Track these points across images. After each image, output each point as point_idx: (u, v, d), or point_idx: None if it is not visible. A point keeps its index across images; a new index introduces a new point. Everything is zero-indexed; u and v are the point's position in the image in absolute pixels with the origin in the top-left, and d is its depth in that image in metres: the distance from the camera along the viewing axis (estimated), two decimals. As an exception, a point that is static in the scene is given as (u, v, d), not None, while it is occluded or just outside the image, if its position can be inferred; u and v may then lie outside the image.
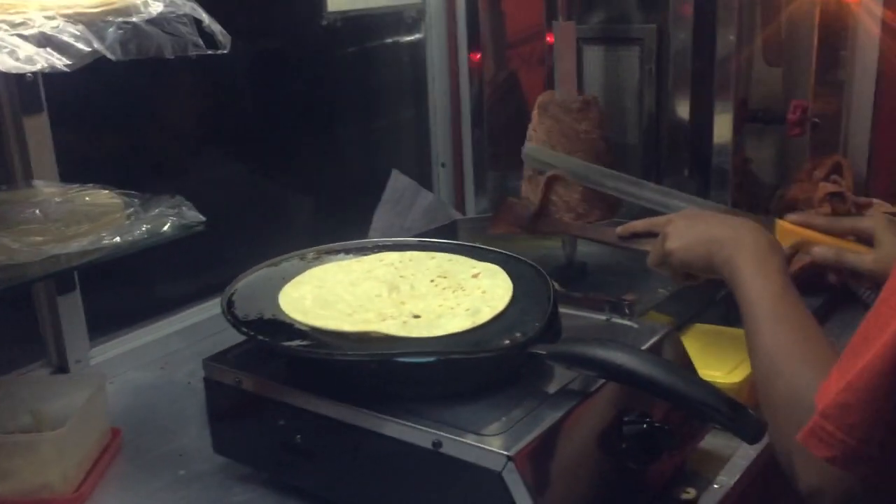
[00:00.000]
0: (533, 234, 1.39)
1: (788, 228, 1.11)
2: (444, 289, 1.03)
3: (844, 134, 1.48)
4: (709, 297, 1.29)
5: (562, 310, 1.01)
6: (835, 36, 1.52)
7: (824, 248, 1.04)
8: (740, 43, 1.35)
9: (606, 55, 1.50)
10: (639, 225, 1.12)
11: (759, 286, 0.87)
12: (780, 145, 1.50)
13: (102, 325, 1.34)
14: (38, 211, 1.02)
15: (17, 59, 0.75)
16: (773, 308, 0.85)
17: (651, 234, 1.08)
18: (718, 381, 1.07)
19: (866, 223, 1.03)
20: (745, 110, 1.42)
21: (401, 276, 1.07)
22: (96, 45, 0.81)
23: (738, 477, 0.99)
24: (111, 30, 0.84)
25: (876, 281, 1.02)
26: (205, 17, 0.94)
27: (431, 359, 0.90)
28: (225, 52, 0.98)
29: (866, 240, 1.02)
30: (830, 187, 1.38)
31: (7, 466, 0.98)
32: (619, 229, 1.15)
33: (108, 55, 0.83)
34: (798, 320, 0.83)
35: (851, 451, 0.67)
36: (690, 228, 1.01)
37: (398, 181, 1.60)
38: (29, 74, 1.13)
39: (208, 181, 1.49)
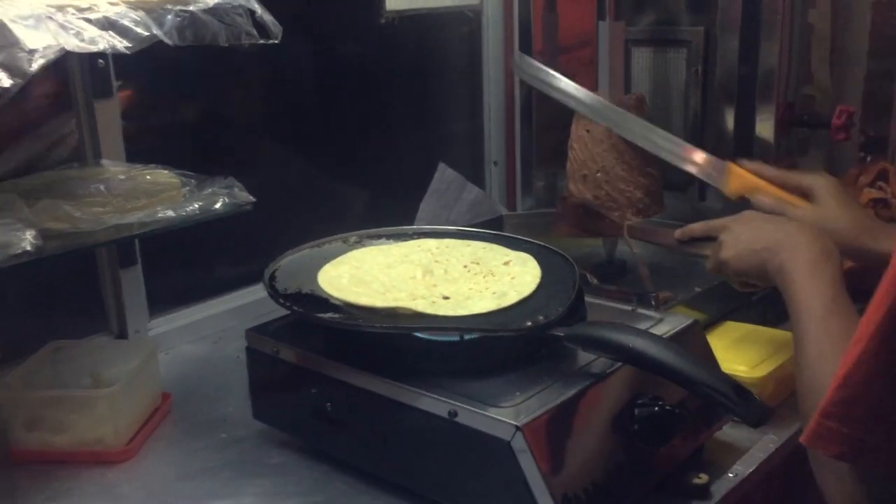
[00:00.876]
0: (593, 235, 1.41)
1: (739, 172, 1.13)
2: (475, 274, 1.08)
3: (893, 141, 1.47)
4: (743, 297, 1.30)
5: (591, 300, 1.04)
6: (887, 42, 1.51)
7: (766, 196, 1.05)
8: (786, 48, 1.36)
9: (654, 57, 1.53)
10: (697, 228, 1.11)
11: (808, 297, 0.86)
12: (828, 149, 1.50)
13: (162, 301, 1.42)
14: (102, 186, 1.10)
15: (82, 40, 0.83)
16: (822, 320, 0.84)
17: (709, 238, 1.08)
18: (743, 375, 1.09)
19: (809, 180, 1.05)
20: (791, 114, 1.42)
21: (436, 261, 1.12)
22: (155, 30, 0.88)
23: (753, 468, 1.00)
24: (170, 17, 0.91)
25: None
26: (257, 8, 1.00)
27: (454, 335, 0.95)
28: (276, 41, 1.05)
29: (808, 197, 1.04)
30: (874, 193, 1.38)
31: (65, 420, 1.07)
32: (677, 233, 1.15)
33: (166, 40, 0.90)
34: (845, 333, 0.78)
35: (858, 443, 0.67)
36: (744, 235, 1.00)
37: (445, 174, 1.65)
38: (101, 61, 1.23)
39: (266, 171, 1.57)
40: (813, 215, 1.03)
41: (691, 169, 1.27)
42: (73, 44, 0.81)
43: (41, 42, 0.80)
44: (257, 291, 1.52)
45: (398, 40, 1.72)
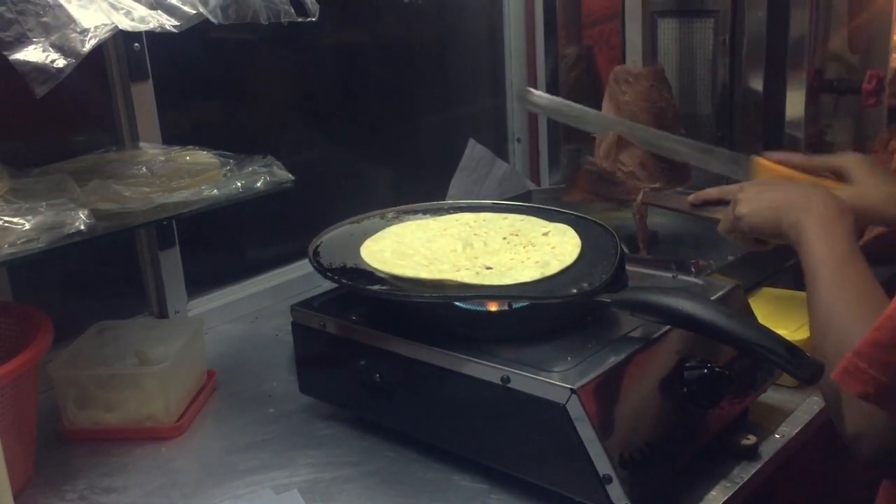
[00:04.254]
0: (607, 201, 1.43)
1: (766, 165, 1.14)
2: (515, 245, 1.09)
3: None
4: (777, 263, 1.31)
5: (631, 269, 1.05)
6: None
7: None
8: (815, 15, 1.36)
9: (681, 27, 1.52)
10: (711, 192, 1.13)
11: (824, 249, 0.89)
12: (857, 115, 1.50)
13: (200, 283, 1.44)
14: (144, 168, 1.11)
15: (133, 20, 0.84)
16: (836, 269, 0.87)
17: (722, 202, 1.09)
18: (784, 338, 1.09)
19: (840, 161, 1.06)
20: (821, 80, 1.43)
21: (475, 234, 1.13)
22: (201, 8, 0.89)
23: (799, 429, 1.01)
24: (214, -4, 0.92)
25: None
26: (296, -14, 1.01)
27: (503, 304, 0.96)
28: (314, 19, 1.06)
29: (841, 178, 1.04)
30: (906, 156, 1.38)
31: (115, 398, 1.09)
32: (690, 197, 1.16)
33: (211, 18, 0.91)
34: (860, 283, 0.85)
35: (884, 388, 0.71)
36: (761, 194, 1.02)
37: (474, 150, 1.66)
38: (136, 45, 1.24)
39: (293, 152, 1.57)
40: (850, 195, 1.02)
41: (715, 168, 1.29)
42: (125, 23, 0.82)
43: (94, 21, 0.81)
44: (290, 272, 1.55)
45: (421, 20, 1.72)
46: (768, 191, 1.02)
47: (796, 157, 1.10)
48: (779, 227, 0.97)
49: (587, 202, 1.44)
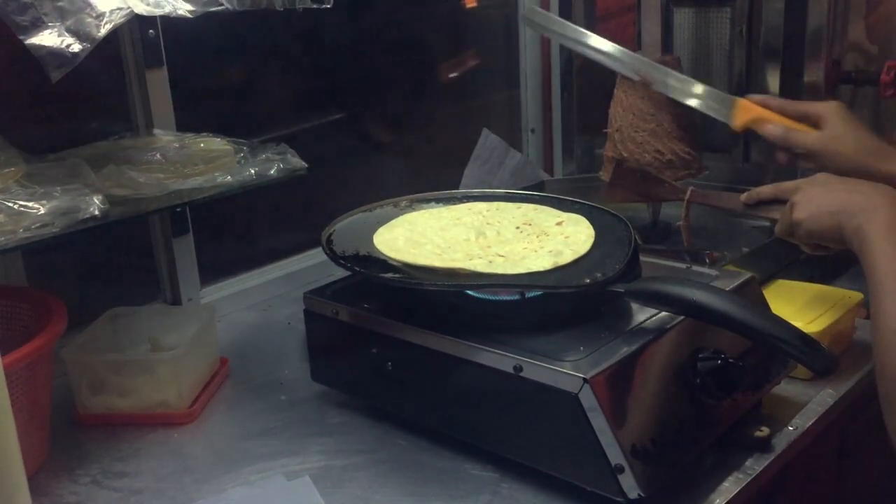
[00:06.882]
0: (650, 201, 1.40)
1: (745, 105, 1.19)
2: (528, 235, 1.08)
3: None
4: (792, 255, 1.30)
5: (645, 259, 1.04)
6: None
7: (775, 125, 1.08)
8: (833, 5, 1.35)
9: (697, 17, 1.51)
10: (765, 191, 1.07)
11: (888, 258, 0.85)
12: (875, 107, 1.48)
13: (213, 271, 1.44)
14: (158, 154, 1.11)
15: (148, 4, 0.84)
16: None
17: (777, 201, 1.05)
18: (798, 331, 1.09)
19: (817, 107, 1.08)
20: (839, 71, 1.41)
21: (488, 224, 1.12)
22: (216, -6, 0.89)
23: (812, 421, 1.01)
24: (229, -18, 0.92)
25: (819, 161, 1.07)
26: (312, -27, 1.01)
27: (515, 293, 0.96)
28: (329, 6, 1.06)
29: (816, 125, 1.06)
30: (925, 149, 1.36)
31: (129, 384, 1.09)
32: (744, 196, 1.11)
33: (227, 5, 0.91)
34: None
35: None
36: (819, 197, 0.97)
37: (488, 140, 1.65)
38: (151, 31, 1.24)
39: (307, 141, 1.58)
40: (820, 140, 1.04)
41: (697, 104, 1.30)
42: (140, 7, 0.82)
43: (109, 5, 0.81)
44: (302, 260, 1.55)
45: (436, 9, 1.71)
46: (827, 193, 0.97)
47: (774, 101, 1.13)
48: (840, 233, 0.92)
49: (631, 202, 1.36)
